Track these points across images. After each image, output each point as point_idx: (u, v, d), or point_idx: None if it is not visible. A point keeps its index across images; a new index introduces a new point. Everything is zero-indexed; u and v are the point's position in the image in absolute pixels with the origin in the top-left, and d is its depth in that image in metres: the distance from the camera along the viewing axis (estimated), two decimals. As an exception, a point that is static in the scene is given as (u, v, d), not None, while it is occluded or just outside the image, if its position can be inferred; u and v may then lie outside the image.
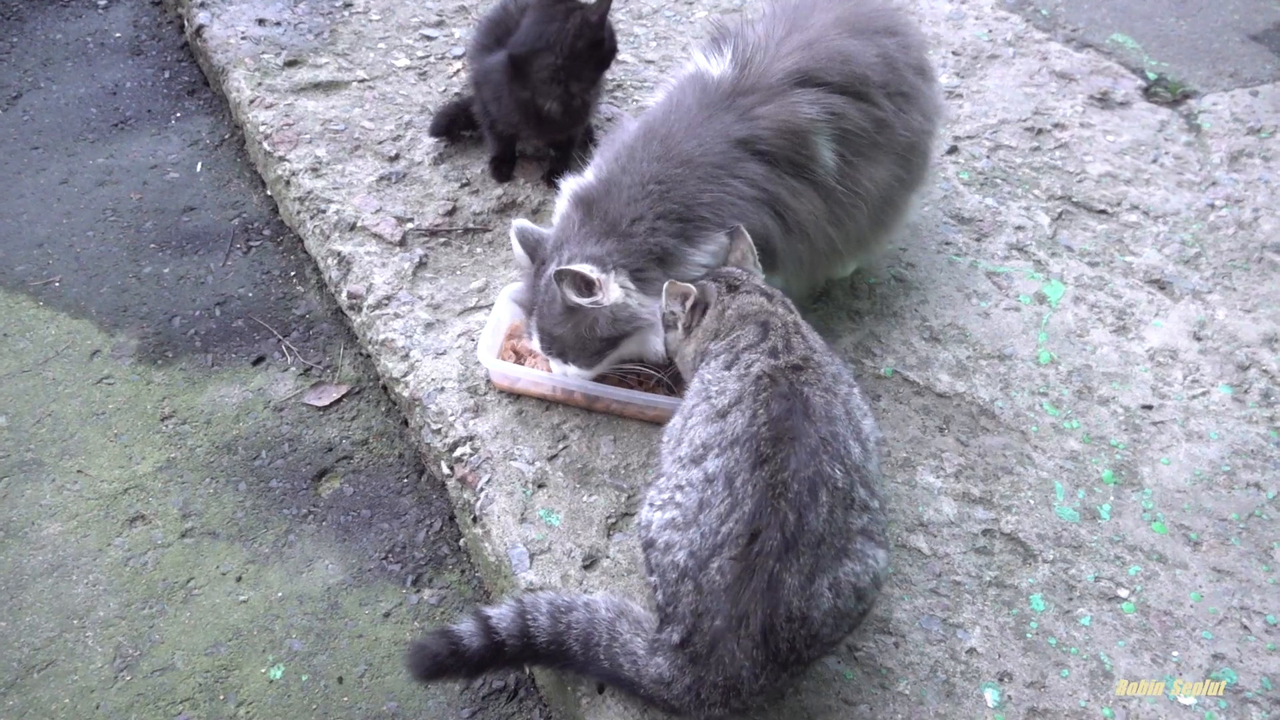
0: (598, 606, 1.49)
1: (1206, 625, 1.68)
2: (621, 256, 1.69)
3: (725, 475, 1.37)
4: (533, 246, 1.79)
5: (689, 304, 1.61)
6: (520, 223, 1.81)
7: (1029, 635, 1.64)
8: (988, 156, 2.63)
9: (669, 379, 1.90)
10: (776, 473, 1.35)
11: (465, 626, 1.45)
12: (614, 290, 1.67)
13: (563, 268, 1.64)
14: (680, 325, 1.63)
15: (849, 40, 1.83)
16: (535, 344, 1.82)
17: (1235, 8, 3.34)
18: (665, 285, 1.63)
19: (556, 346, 1.78)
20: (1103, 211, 2.49)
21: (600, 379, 1.85)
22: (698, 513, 1.37)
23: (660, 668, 1.41)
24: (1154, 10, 3.30)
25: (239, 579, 1.81)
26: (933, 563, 1.73)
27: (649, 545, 1.43)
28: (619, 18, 3.03)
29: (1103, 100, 2.86)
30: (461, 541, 1.88)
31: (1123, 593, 1.71)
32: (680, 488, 1.41)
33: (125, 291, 2.33)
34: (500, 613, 1.46)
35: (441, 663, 1.42)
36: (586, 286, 1.66)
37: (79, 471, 1.96)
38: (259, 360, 2.19)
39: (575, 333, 1.74)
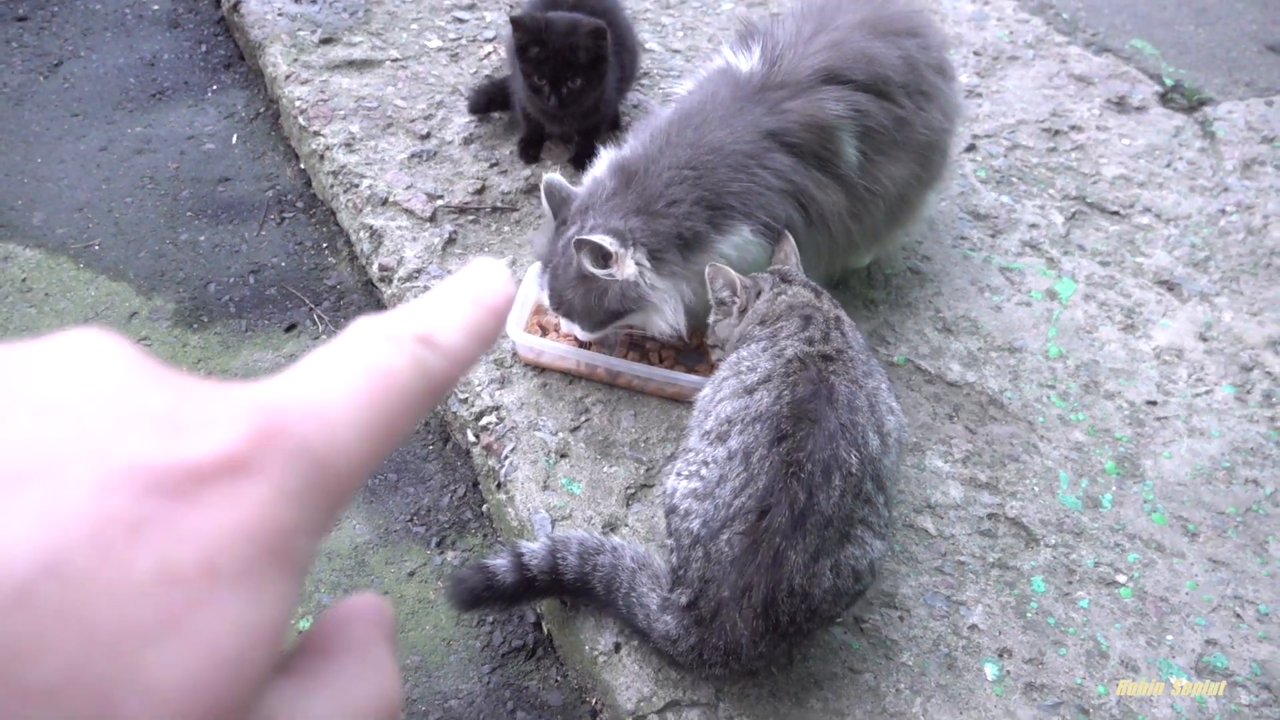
0: (623, 554, 1.57)
1: (1200, 612, 1.74)
2: (645, 235, 1.75)
3: (744, 450, 1.43)
4: (558, 204, 1.85)
5: (741, 288, 1.68)
6: (551, 176, 1.87)
7: (1029, 615, 1.70)
8: (1005, 155, 2.69)
9: (685, 356, 1.97)
10: (793, 451, 1.40)
11: (500, 561, 1.55)
12: (629, 266, 1.73)
13: (582, 237, 1.70)
14: (735, 310, 1.70)
15: (873, 41, 1.90)
16: (544, 299, 1.88)
17: (1254, 18, 3.39)
18: (707, 269, 1.70)
19: (564, 307, 1.85)
20: (1115, 213, 2.55)
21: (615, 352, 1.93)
22: (716, 486, 1.44)
23: (668, 625, 1.48)
24: (1174, 18, 3.35)
25: (270, 535, 1.88)
26: (939, 543, 1.79)
27: (671, 510, 1.50)
28: (647, 6, 3.09)
29: (1120, 104, 2.92)
30: (484, 507, 1.95)
31: (1121, 578, 1.78)
32: (705, 464, 1.47)
33: (162, 257, 2.40)
34: (533, 549, 1.56)
35: (478, 595, 1.53)
36: (603, 258, 1.72)
37: (117, 427, 2.03)
38: (291, 327, 2.26)
39: (585, 300, 1.80)
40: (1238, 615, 1.75)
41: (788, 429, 1.42)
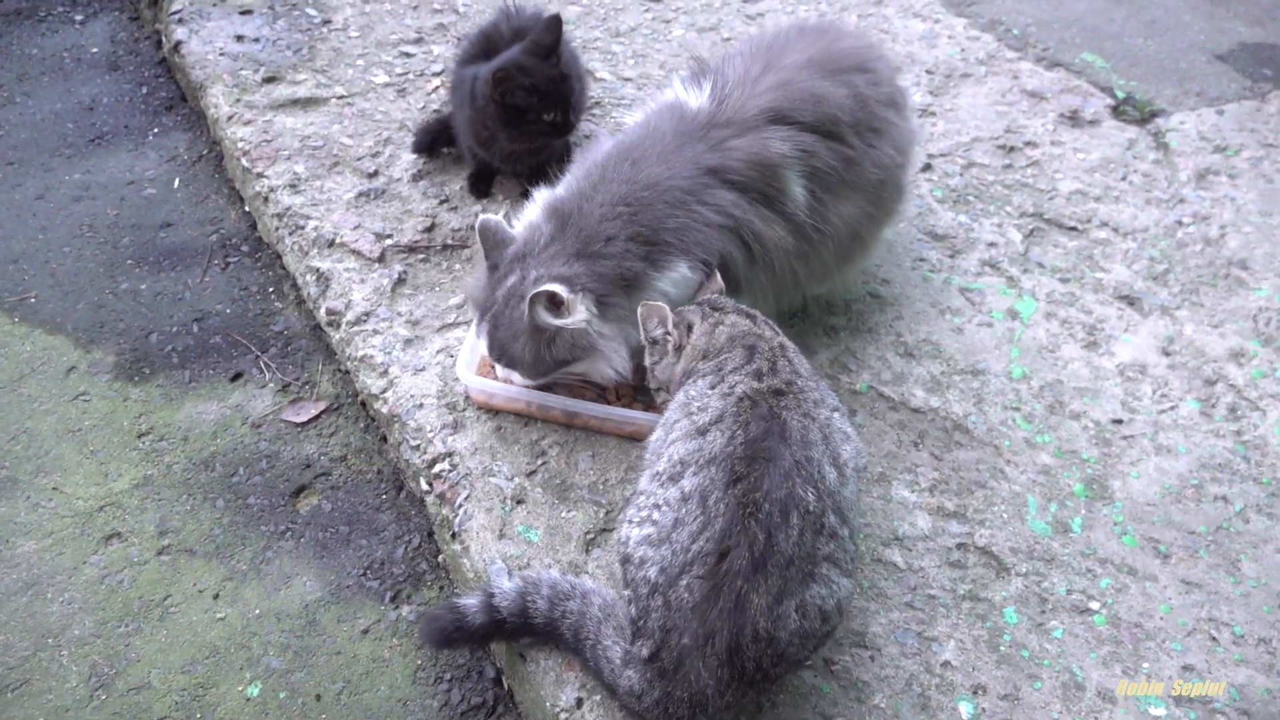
0: (592, 602, 1.53)
1: (1176, 637, 1.70)
2: (590, 280, 1.70)
3: (700, 493, 1.39)
4: (493, 246, 1.79)
5: (673, 324, 1.63)
6: (487, 217, 1.80)
7: (1002, 648, 1.66)
8: (961, 174, 2.67)
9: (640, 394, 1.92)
10: (749, 492, 1.36)
11: (471, 602, 1.53)
12: (580, 313, 1.69)
13: (537, 290, 1.65)
14: (671, 346, 1.65)
15: (820, 81, 1.87)
16: (483, 347, 1.82)
17: (1201, 29, 3.41)
18: (640, 309, 1.65)
19: (507, 358, 1.79)
20: (1073, 228, 2.54)
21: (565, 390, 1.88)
22: (672, 530, 1.39)
23: (631, 680, 1.43)
24: (1122, 30, 3.37)
25: (216, 596, 1.80)
26: (908, 576, 1.75)
27: (626, 560, 1.45)
28: (596, 35, 3.06)
29: (1073, 119, 2.92)
30: (440, 558, 1.89)
31: (1094, 605, 1.74)
32: (658, 506, 1.43)
33: (102, 307, 2.32)
34: (504, 590, 1.54)
35: (449, 635, 1.52)
36: (555, 305, 1.67)
37: (54, 489, 1.95)
38: (237, 376, 2.19)
39: (533, 350, 1.74)
40: (1213, 638, 1.71)
41: (742, 470, 1.38)
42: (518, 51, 2.18)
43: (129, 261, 2.44)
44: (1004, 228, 2.51)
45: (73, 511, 1.92)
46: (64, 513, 1.91)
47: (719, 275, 1.75)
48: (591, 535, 1.76)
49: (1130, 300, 2.34)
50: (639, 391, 1.95)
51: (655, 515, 1.42)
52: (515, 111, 2.18)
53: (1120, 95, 3.02)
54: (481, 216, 1.80)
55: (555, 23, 2.17)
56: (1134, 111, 2.97)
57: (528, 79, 2.14)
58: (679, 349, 1.64)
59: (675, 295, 1.78)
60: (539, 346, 1.74)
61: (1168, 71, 3.16)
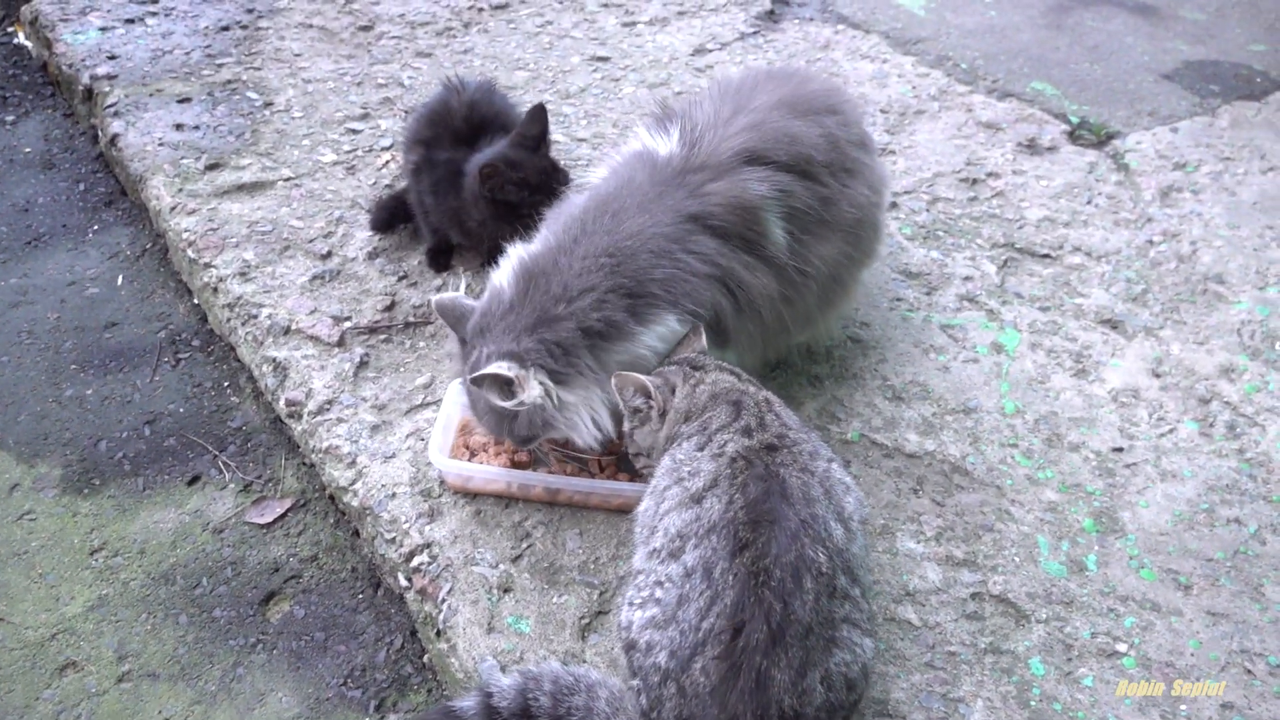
0: (598, 695, 1.41)
1: (1210, 673, 1.62)
2: (540, 354, 1.60)
3: (704, 566, 1.30)
4: (455, 323, 1.73)
5: (655, 390, 1.55)
6: (440, 297, 1.74)
7: (1033, 703, 1.56)
8: (927, 210, 2.64)
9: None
10: (758, 559, 1.28)
11: (468, 704, 1.42)
12: (534, 388, 1.59)
13: (478, 374, 1.57)
14: (655, 413, 1.56)
15: (793, 121, 1.83)
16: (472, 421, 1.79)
17: (1144, 50, 3.45)
18: (614, 379, 1.56)
19: (486, 430, 1.75)
20: (1046, 256, 2.50)
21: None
22: (677, 609, 1.29)
23: None
24: (1067, 58, 3.39)
25: (184, 723, 1.66)
26: (925, 634, 1.65)
27: (630, 647, 1.34)
28: (546, 98, 3.01)
29: (1031, 146, 2.90)
30: (426, 658, 1.76)
31: (1121, 647, 1.65)
32: (659, 584, 1.33)
33: (45, 418, 2.18)
34: (503, 688, 1.43)
35: None
36: (506, 385, 1.59)
37: (0, 619, 1.80)
38: (194, 479, 2.06)
39: (499, 426, 1.69)
40: (1249, 671, 1.63)
41: (747, 536, 1.29)
42: (504, 145, 2.13)
43: (73, 366, 2.31)
44: (977, 260, 2.47)
45: (22, 642, 1.77)
46: (12, 644, 1.76)
47: (701, 332, 1.67)
48: (587, 620, 1.65)
49: (1113, 324, 2.29)
50: (623, 461, 1.85)
51: (658, 594, 1.33)
52: (506, 205, 2.11)
53: (1074, 120, 3.02)
54: (435, 298, 1.74)
55: (540, 113, 2.12)
56: (1090, 135, 2.96)
57: (517, 173, 2.09)
58: (663, 414, 1.55)
59: (662, 349, 1.69)
60: (502, 424, 1.68)
61: (1118, 94, 3.18)
